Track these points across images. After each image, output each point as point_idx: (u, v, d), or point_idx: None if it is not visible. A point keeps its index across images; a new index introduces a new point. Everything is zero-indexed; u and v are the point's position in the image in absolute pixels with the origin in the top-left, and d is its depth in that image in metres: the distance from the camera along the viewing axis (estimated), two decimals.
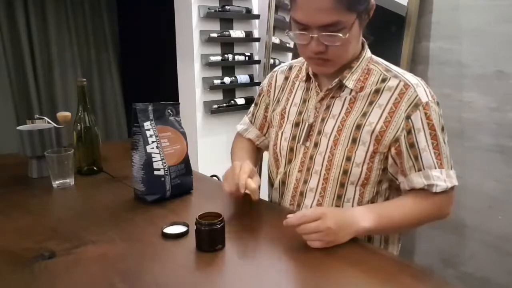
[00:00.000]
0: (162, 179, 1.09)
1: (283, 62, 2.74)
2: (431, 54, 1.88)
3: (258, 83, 2.76)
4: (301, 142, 1.05)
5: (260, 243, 0.90)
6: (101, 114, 3.61)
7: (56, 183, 1.23)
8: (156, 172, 1.08)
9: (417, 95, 0.93)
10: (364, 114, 0.96)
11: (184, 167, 1.17)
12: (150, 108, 1.11)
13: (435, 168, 0.93)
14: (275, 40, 2.56)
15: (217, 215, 0.85)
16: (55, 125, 1.38)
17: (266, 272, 0.78)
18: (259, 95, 1.24)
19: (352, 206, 1.00)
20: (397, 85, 0.95)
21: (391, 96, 0.95)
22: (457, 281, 1.89)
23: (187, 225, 0.92)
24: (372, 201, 1.01)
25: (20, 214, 1.05)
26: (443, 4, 1.82)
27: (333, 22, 0.87)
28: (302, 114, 1.06)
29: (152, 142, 1.09)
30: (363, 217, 0.89)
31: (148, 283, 0.74)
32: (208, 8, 2.52)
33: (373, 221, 0.89)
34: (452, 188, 0.95)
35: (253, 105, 1.27)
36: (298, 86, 1.11)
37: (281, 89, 1.15)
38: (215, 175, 1.51)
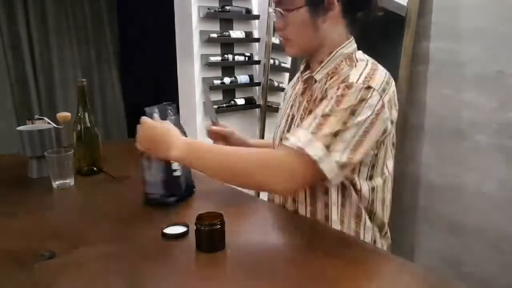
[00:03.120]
0: (180, 180, 1.10)
1: (283, 63, 2.76)
2: (431, 54, 1.88)
3: (258, 83, 2.76)
4: (284, 133, 1.09)
5: (260, 243, 0.90)
6: (101, 114, 3.62)
7: (56, 183, 1.23)
8: (174, 173, 1.09)
9: (348, 75, 0.91)
10: (322, 99, 0.96)
11: None
12: (156, 110, 1.11)
13: (306, 130, 0.87)
14: (275, 40, 2.56)
15: (217, 215, 0.85)
16: (55, 125, 1.39)
17: (266, 272, 0.78)
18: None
19: (338, 193, 0.99)
20: (346, 71, 0.95)
21: (337, 79, 0.95)
22: (457, 281, 1.89)
23: (187, 225, 0.92)
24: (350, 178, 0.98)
25: (20, 214, 1.05)
26: (443, 4, 1.82)
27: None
28: (292, 108, 1.11)
29: None
30: (180, 145, 0.96)
31: (148, 283, 0.74)
32: (208, 8, 2.52)
33: (185, 152, 0.96)
34: (306, 156, 0.85)
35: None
36: (298, 85, 1.15)
37: (287, 96, 1.22)
38: None
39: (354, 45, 1.03)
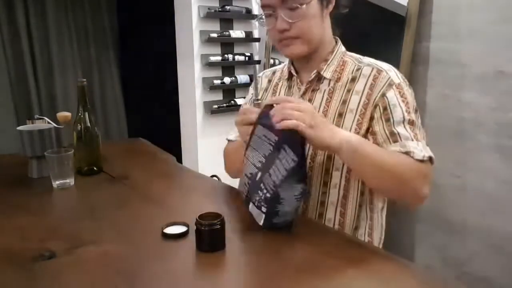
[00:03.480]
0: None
1: (283, 62, 2.75)
2: (431, 54, 1.88)
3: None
4: None
5: (260, 243, 0.90)
6: (101, 114, 3.62)
7: (56, 183, 1.23)
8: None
9: (389, 77, 0.98)
10: (344, 102, 1.01)
11: None
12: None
13: (412, 140, 0.94)
14: None
15: (217, 215, 0.85)
16: (55, 125, 1.38)
17: (266, 272, 0.78)
18: (248, 102, 1.25)
19: (339, 192, 1.02)
20: (371, 71, 1.00)
21: (366, 82, 1.00)
22: (457, 281, 1.89)
23: (187, 225, 0.92)
24: (361, 189, 1.02)
25: (20, 214, 1.05)
26: (443, 4, 1.82)
27: None
28: None
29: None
30: (346, 132, 0.93)
31: (148, 283, 0.74)
32: (208, 8, 2.52)
33: (358, 137, 0.92)
34: (431, 161, 0.93)
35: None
36: (281, 85, 1.15)
37: (265, 90, 1.20)
38: (215, 175, 1.51)
39: (339, 41, 1.09)
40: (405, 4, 1.87)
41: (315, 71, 1.04)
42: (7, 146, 2.70)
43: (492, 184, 1.73)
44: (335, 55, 1.05)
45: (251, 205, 0.92)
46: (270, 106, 0.89)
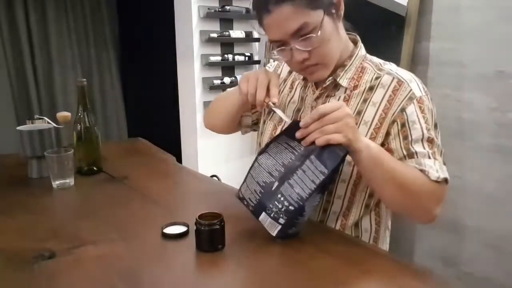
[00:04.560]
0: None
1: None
2: (431, 54, 1.88)
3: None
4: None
5: (260, 243, 0.90)
6: (101, 114, 3.61)
7: (56, 183, 1.23)
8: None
9: (411, 89, 0.93)
10: (359, 113, 0.95)
11: None
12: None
13: (429, 158, 0.90)
14: None
15: (217, 215, 0.85)
16: (55, 125, 1.38)
17: (266, 272, 0.78)
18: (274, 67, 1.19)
19: (343, 203, 0.98)
20: (391, 82, 0.94)
21: (385, 93, 0.94)
22: (457, 281, 1.89)
23: (187, 225, 0.92)
24: (366, 203, 1.00)
25: (20, 214, 1.05)
26: (443, 4, 1.82)
27: (301, 25, 0.87)
28: (300, 112, 1.06)
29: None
30: (368, 139, 0.87)
31: (148, 283, 0.74)
32: (208, 8, 2.52)
33: (376, 148, 0.86)
34: (446, 182, 0.90)
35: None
36: (298, 83, 1.10)
37: (284, 81, 1.14)
38: (215, 175, 1.51)
39: (360, 44, 1.02)
40: (405, 4, 1.87)
41: (331, 78, 0.98)
42: (7, 146, 2.71)
43: (492, 184, 1.73)
44: (353, 60, 0.99)
45: (263, 214, 0.87)
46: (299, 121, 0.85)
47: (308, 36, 0.88)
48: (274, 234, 0.86)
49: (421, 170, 0.88)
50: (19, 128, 1.32)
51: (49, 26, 3.22)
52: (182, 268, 0.80)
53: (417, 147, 0.90)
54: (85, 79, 1.32)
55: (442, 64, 1.85)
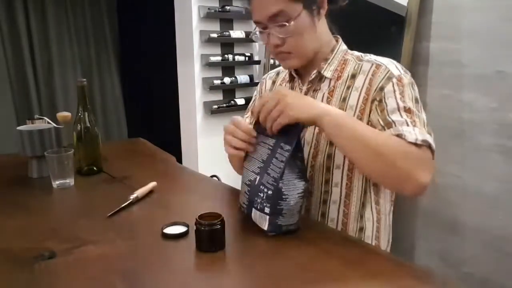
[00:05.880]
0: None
1: None
2: (431, 54, 1.88)
3: (258, 84, 2.76)
4: None
5: (260, 243, 0.90)
6: (101, 114, 3.62)
7: (56, 183, 1.23)
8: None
9: (389, 70, 0.96)
10: (344, 99, 1.00)
11: None
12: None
13: (407, 125, 0.87)
14: None
15: (217, 215, 0.85)
16: (55, 125, 1.38)
17: (266, 272, 0.78)
18: (252, 104, 1.27)
19: (341, 191, 1.01)
20: (370, 67, 0.99)
21: (365, 78, 0.99)
22: (457, 281, 1.89)
23: (187, 225, 0.92)
24: (364, 188, 1.02)
25: (20, 214, 1.05)
26: (443, 4, 1.82)
27: (277, 11, 0.92)
28: None
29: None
30: (328, 106, 0.91)
31: (148, 283, 0.74)
32: (208, 8, 2.52)
33: (340, 114, 0.87)
34: (428, 148, 0.86)
35: (246, 115, 1.26)
36: (284, 86, 1.15)
37: (269, 91, 1.20)
38: (215, 175, 1.51)
39: (340, 40, 1.08)
40: (405, 4, 1.87)
41: (315, 70, 1.04)
42: (7, 146, 2.71)
43: (492, 184, 1.73)
44: (335, 54, 1.04)
45: (253, 211, 0.90)
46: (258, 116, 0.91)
47: (282, 24, 0.94)
48: (265, 228, 0.88)
49: (398, 135, 0.86)
50: (19, 128, 1.32)
51: (49, 26, 3.22)
52: (182, 268, 0.80)
53: (394, 116, 0.90)
54: (85, 79, 1.32)
55: (442, 64, 1.85)
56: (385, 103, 0.93)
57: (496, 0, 1.65)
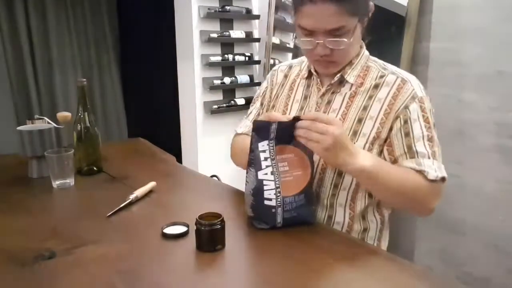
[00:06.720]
0: (273, 210, 0.92)
1: (282, 62, 2.75)
2: (431, 54, 1.88)
3: (258, 83, 2.76)
4: None
5: (260, 243, 0.90)
6: (101, 114, 3.61)
7: (56, 183, 1.23)
8: (266, 202, 0.91)
9: (413, 89, 0.98)
10: (365, 108, 1.00)
11: (304, 198, 0.95)
12: (274, 126, 0.91)
13: (428, 158, 0.95)
14: (275, 40, 2.56)
15: (217, 215, 0.85)
16: (55, 125, 1.38)
17: (266, 273, 0.78)
18: (262, 95, 1.24)
19: (348, 194, 1.02)
20: (395, 80, 1.00)
21: (389, 90, 0.99)
22: (457, 281, 1.89)
23: (187, 225, 0.92)
24: (369, 192, 1.03)
25: (20, 214, 1.05)
26: (443, 4, 1.82)
27: (339, 27, 0.92)
28: (304, 109, 1.09)
29: (267, 167, 0.92)
30: (366, 155, 0.92)
31: (148, 283, 0.74)
32: (208, 9, 2.52)
33: (372, 164, 0.91)
34: (442, 181, 0.96)
35: (253, 106, 1.26)
36: (299, 83, 1.13)
37: (281, 85, 1.19)
38: (215, 175, 1.51)
39: (364, 45, 1.08)
40: (405, 4, 1.87)
41: (339, 74, 1.03)
42: (7, 146, 2.71)
43: (492, 184, 1.73)
44: (360, 59, 1.04)
45: (249, 210, 0.96)
46: (297, 118, 0.90)
47: (340, 39, 0.93)
48: (250, 214, 0.95)
49: (420, 171, 0.94)
50: (19, 128, 1.32)
51: (49, 26, 3.21)
52: (182, 268, 0.80)
53: (419, 147, 0.95)
54: (85, 79, 1.32)
55: (442, 64, 1.85)
56: (411, 127, 0.96)
57: (496, 0, 1.65)
